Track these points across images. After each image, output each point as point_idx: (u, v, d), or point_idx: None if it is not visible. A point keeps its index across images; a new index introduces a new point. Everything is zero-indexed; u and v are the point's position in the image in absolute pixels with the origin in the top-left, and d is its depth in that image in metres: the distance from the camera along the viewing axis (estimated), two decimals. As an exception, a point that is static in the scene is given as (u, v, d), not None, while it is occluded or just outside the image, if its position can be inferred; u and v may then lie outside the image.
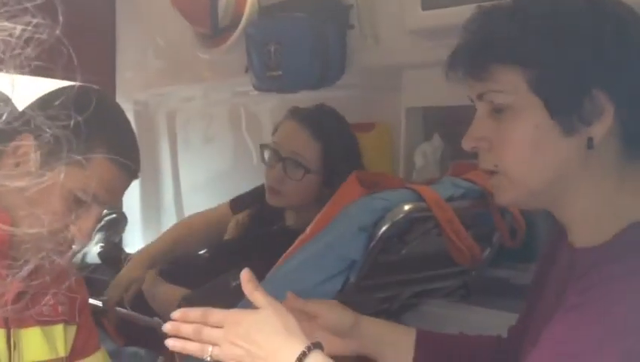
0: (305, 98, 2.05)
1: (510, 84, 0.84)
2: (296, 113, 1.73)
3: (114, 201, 1.14)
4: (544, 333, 0.81)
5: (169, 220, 2.78)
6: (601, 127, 0.82)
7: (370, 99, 2.08)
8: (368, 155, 2.03)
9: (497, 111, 0.86)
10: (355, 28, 1.91)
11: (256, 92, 2.14)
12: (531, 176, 0.85)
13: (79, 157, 1.04)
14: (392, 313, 1.71)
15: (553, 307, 0.86)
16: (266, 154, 1.73)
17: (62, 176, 1.04)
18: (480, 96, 0.87)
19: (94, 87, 1.26)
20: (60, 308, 1.16)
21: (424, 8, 1.69)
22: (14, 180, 1.04)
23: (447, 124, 1.91)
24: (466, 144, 0.89)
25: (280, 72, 1.94)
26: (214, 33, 2.14)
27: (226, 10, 2.12)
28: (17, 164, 1.06)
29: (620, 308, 0.76)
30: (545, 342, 0.80)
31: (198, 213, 1.94)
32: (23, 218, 1.04)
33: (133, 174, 1.13)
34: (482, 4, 0.88)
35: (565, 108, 0.82)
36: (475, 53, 0.85)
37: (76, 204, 1.08)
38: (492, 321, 1.35)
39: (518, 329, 1.06)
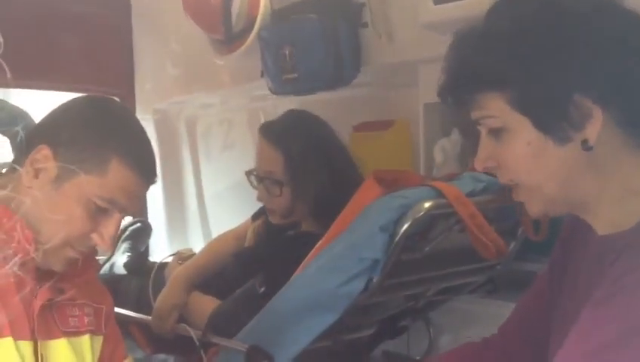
0: (322, 99, 2.05)
1: (496, 108, 0.85)
2: (262, 130, 1.74)
3: (134, 207, 1.14)
4: (571, 330, 0.80)
5: (194, 227, 2.80)
6: (593, 129, 0.82)
7: (388, 96, 2.07)
8: (388, 153, 2.03)
9: (495, 132, 0.87)
10: (367, 26, 1.90)
11: (273, 96, 2.14)
12: (543, 184, 0.86)
13: (95, 165, 1.07)
14: (419, 311, 1.70)
15: (584, 299, 0.85)
16: (251, 179, 1.75)
17: (79, 184, 1.06)
18: (477, 122, 0.89)
19: (107, 97, 1.28)
20: (86, 319, 1.17)
21: (436, 2, 1.68)
22: (34, 191, 1.06)
23: (466, 118, 1.88)
24: (477, 166, 0.91)
25: (296, 75, 1.94)
26: (228, 39, 2.15)
27: (238, 15, 2.12)
28: (36, 176, 1.08)
29: None
30: (571, 338, 0.80)
31: (228, 231, 1.95)
32: (44, 228, 1.07)
33: (150, 178, 1.13)
34: (459, 29, 0.88)
35: (552, 121, 0.82)
36: (456, 85, 0.87)
37: (96, 211, 1.09)
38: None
39: (519, 321, 1.07)
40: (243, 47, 2.10)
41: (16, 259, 1.03)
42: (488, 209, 1.45)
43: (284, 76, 1.98)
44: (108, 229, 1.10)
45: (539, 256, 1.65)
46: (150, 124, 2.64)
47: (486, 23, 0.86)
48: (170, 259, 1.99)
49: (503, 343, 1.09)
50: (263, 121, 2.48)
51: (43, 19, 2.30)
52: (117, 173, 1.08)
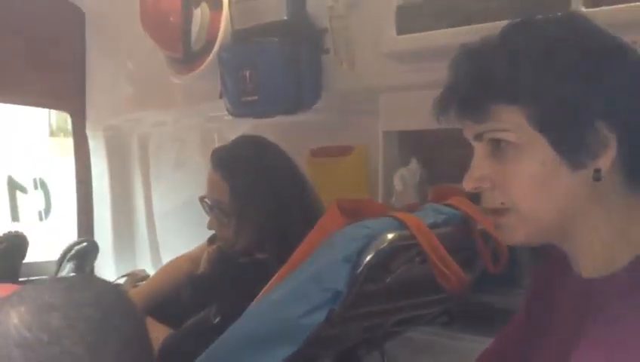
0: (280, 122, 2.04)
1: (512, 123, 0.83)
2: (212, 158, 1.72)
3: None
4: None
5: (142, 247, 2.72)
6: (607, 159, 0.82)
7: (348, 122, 2.07)
8: (345, 179, 2.02)
9: (499, 149, 0.85)
10: (329, 52, 1.90)
11: (229, 117, 2.11)
12: (542, 211, 0.84)
13: None
14: (375, 341, 1.69)
15: (571, 339, 0.83)
16: (204, 205, 1.73)
17: None
18: (478, 136, 0.87)
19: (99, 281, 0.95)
20: None
21: (399, 32, 1.69)
22: None
23: (425, 147, 1.90)
24: (468, 185, 0.88)
25: (256, 97, 1.93)
26: (187, 58, 2.12)
27: (198, 34, 2.10)
28: None
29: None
30: None
31: (184, 254, 1.91)
32: None
33: None
34: (467, 42, 0.87)
35: (570, 143, 0.82)
36: (471, 95, 0.84)
37: None
38: (476, 347, 1.33)
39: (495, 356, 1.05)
40: (202, 67, 2.07)
41: None
42: (449, 241, 1.45)
43: (243, 98, 1.96)
44: None
45: (495, 288, 1.66)
46: (101, 141, 2.57)
47: (505, 39, 0.85)
48: (122, 281, 1.92)
49: None
50: (216, 141, 2.45)
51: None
52: None
